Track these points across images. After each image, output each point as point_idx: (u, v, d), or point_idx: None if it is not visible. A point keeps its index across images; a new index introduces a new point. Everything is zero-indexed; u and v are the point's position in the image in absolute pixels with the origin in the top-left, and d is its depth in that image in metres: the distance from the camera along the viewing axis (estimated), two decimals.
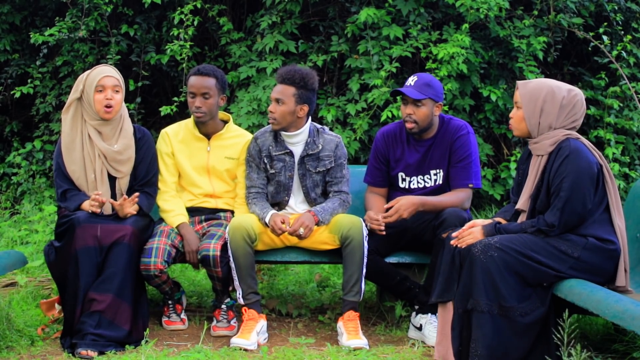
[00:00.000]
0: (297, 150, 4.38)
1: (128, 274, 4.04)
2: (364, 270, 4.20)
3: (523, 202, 3.73)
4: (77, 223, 4.03)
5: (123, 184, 4.27)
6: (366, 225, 4.27)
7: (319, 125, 4.45)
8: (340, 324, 4.19)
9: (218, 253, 4.16)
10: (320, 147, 4.36)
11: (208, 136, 4.45)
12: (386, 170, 4.51)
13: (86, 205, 4.14)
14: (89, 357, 3.87)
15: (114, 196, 4.25)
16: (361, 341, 4.07)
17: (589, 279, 3.54)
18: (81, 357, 3.87)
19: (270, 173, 4.40)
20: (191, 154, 4.45)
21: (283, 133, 4.34)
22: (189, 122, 4.48)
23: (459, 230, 3.77)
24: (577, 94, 3.70)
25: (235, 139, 4.50)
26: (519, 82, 3.76)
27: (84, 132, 4.22)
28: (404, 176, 4.46)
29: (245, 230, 4.16)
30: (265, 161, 4.39)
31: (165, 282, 4.27)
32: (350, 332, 4.11)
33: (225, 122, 4.53)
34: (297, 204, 4.43)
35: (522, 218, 3.74)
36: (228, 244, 4.17)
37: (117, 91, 4.23)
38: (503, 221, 3.82)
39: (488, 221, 3.78)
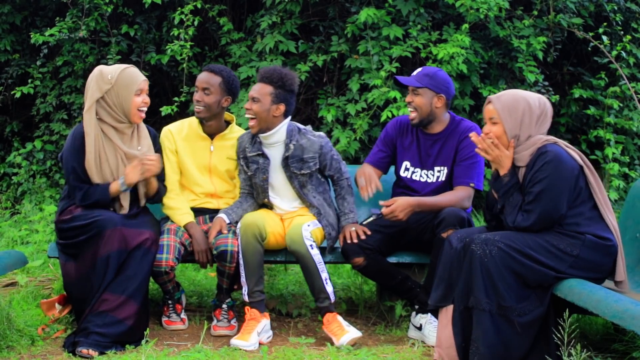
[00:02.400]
0: (274, 152, 4.34)
1: (145, 278, 4.07)
2: (324, 275, 4.19)
3: None
4: (109, 224, 4.02)
5: (143, 184, 4.26)
6: (356, 183, 4.37)
7: (301, 126, 4.42)
8: (324, 330, 4.19)
9: (235, 249, 4.18)
10: (292, 149, 4.31)
11: (211, 136, 4.46)
12: (389, 155, 4.52)
13: (115, 186, 4.14)
14: (89, 356, 3.87)
15: (135, 199, 4.27)
16: (350, 333, 4.07)
17: (588, 276, 3.55)
18: (82, 356, 3.87)
19: (248, 175, 4.40)
20: (194, 153, 4.45)
21: (260, 135, 4.31)
22: (192, 121, 4.49)
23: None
24: (546, 102, 3.76)
25: (236, 139, 4.50)
26: (491, 97, 3.75)
27: (99, 133, 4.16)
28: (407, 165, 4.46)
29: (257, 228, 4.17)
30: (242, 163, 4.40)
31: (170, 280, 4.28)
32: (336, 333, 4.10)
33: (229, 122, 4.54)
34: (284, 203, 4.43)
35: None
36: (239, 241, 4.18)
37: (147, 93, 4.27)
38: None
39: None
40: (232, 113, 6.27)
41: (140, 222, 4.17)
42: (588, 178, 3.64)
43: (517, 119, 3.67)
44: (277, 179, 4.38)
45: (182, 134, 4.46)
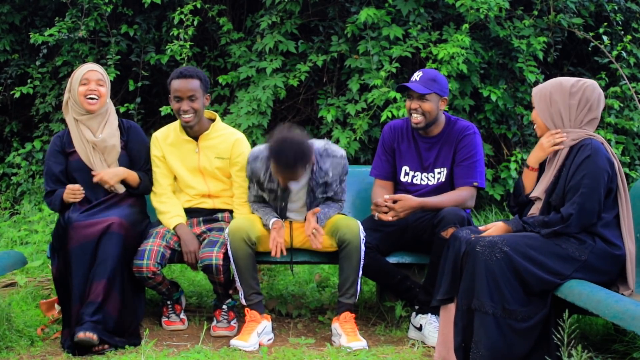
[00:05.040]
0: (296, 185, 4.26)
1: (119, 262, 4.06)
2: (361, 273, 4.20)
3: (540, 192, 3.75)
4: (69, 223, 4.08)
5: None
6: (373, 217, 4.28)
7: (320, 145, 4.31)
8: (336, 325, 4.18)
9: (220, 262, 4.16)
10: (324, 175, 4.27)
11: (195, 137, 4.43)
12: (393, 162, 4.51)
13: (64, 196, 4.26)
14: (87, 338, 3.87)
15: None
16: (361, 343, 4.07)
17: (593, 278, 3.55)
18: (82, 340, 3.86)
19: (262, 196, 4.35)
20: (182, 156, 4.44)
21: None
22: (177, 125, 4.46)
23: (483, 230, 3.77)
24: (587, 82, 3.72)
25: (223, 137, 4.45)
26: (533, 89, 3.83)
27: (75, 124, 4.36)
28: (407, 170, 4.46)
29: (246, 233, 4.15)
30: (255, 186, 4.35)
31: (160, 284, 4.26)
32: (349, 334, 4.10)
33: (212, 120, 4.50)
34: (298, 216, 4.41)
35: (537, 206, 3.75)
36: (228, 246, 4.16)
37: (100, 85, 4.35)
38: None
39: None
40: (231, 113, 6.28)
41: (108, 211, 4.20)
42: (620, 190, 3.64)
43: (545, 97, 3.73)
44: (296, 203, 4.36)
45: (168, 139, 4.45)
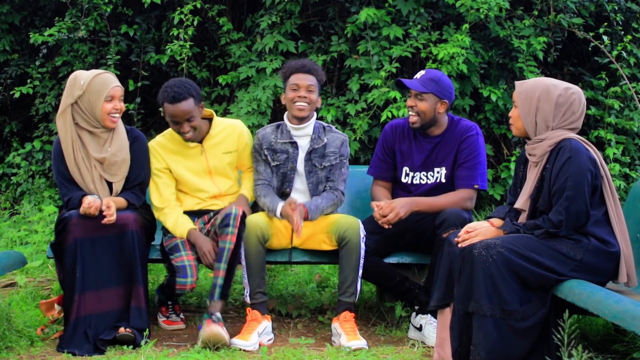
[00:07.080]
0: (303, 143, 4.39)
1: (139, 259, 4.08)
2: (360, 272, 4.20)
3: (523, 202, 3.73)
4: (69, 219, 4.04)
5: (119, 186, 4.26)
6: (374, 218, 4.27)
7: (325, 124, 4.49)
8: (336, 325, 4.18)
9: (240, 213, 4.15)
10: (325, 141, 4.38)
11: (199, 141, 4.39)
12: (392, 163, 4.50)
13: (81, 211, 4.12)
14: (127, 333, 4.00)
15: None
16: (361, 342, 4.07)
17: (589, 279, 3.54)
18: (122, 336, 4.00)
19: (273, 166, 4.39)
20: (187, 162, 4.38)
21: (290, 125, 4.35)
22: (174, 133, 4.36)
23: (460, 233, 3.72)
24: (575, 92, 3.67)
25: (226, 132, 4.42)
26: (516, 82, 3.77)
27: (75, 138, 4.19)
28: (407, 171, 4.45)
29: (260, 230, 4.17)
30: (266, 153, 4.39)
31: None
32: (348, 333, 4.10)
33: (210, 119, 4.45)
34: (300, 196, 4.41)
35: (522, 218, 3.74)
36: (242, 242, 4.17)
37: (121, 100, 4.24)
38: (499, 222, 3.76)
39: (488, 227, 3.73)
40: (231, 113, 6.29)
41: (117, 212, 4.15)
42: (604, 183, 3.62)
43: (532, 104, 3.65)
44: (300, 171, 4.40)
45: (168, 148, 4.39)
